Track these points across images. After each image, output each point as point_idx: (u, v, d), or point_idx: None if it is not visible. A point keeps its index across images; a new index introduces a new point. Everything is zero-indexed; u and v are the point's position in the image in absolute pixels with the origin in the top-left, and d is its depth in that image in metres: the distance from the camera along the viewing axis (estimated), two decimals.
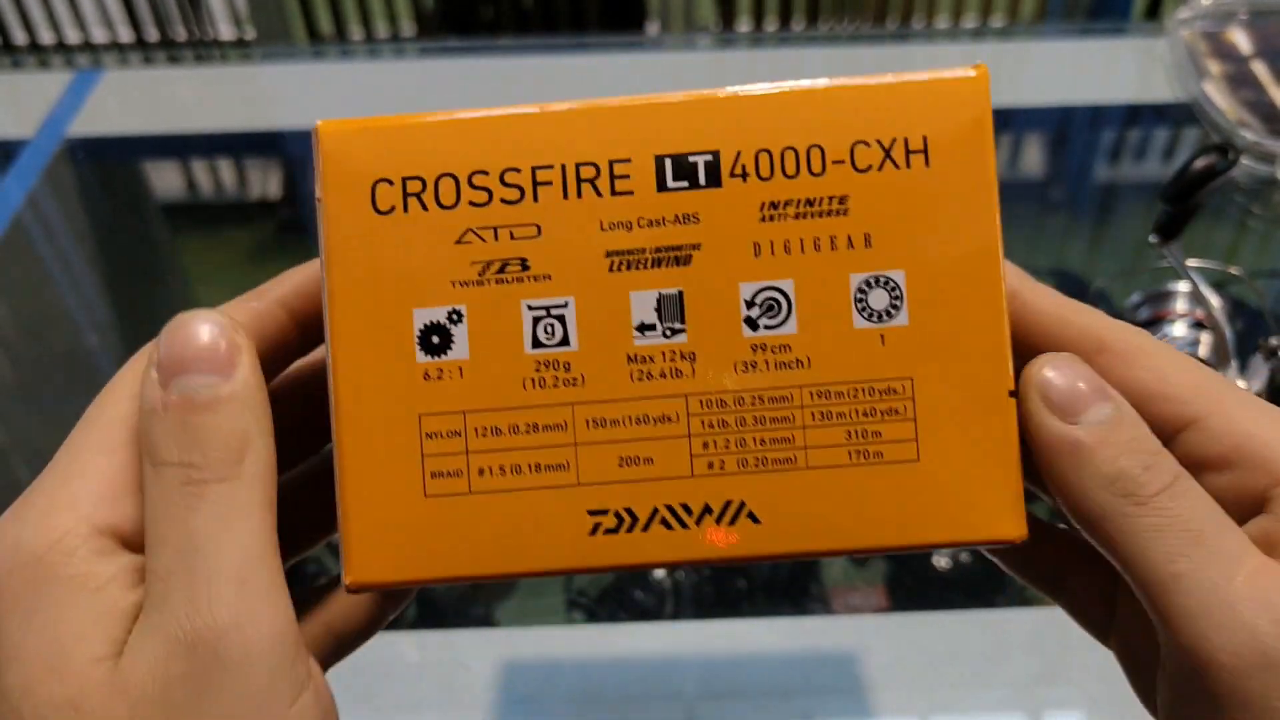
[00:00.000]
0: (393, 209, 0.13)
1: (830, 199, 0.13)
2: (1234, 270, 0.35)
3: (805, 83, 0.13)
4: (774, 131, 0.13)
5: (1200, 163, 0.27)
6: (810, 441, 0.13)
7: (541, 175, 0.13)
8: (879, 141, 0.13)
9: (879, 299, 0.13)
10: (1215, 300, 0.28)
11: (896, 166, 0.13)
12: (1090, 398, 0.12)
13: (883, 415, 0.13)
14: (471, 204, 0.13)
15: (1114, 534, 0.11)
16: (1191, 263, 0.29)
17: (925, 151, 0.13)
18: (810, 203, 0.13)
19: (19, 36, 1.26)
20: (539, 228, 0.13)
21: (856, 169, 0.13)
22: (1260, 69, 0.50)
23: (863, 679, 0.28)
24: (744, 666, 0.28)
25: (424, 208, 0.13)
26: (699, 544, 0.13)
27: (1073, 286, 0.44)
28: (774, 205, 0.13)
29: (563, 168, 0.13)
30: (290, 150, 0.55)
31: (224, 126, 0.53)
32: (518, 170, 0.13)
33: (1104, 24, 0.83)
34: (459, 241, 0.13)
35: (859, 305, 0.13)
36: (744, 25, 1.19)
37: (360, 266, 0.13)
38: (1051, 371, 0.12)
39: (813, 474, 0.13)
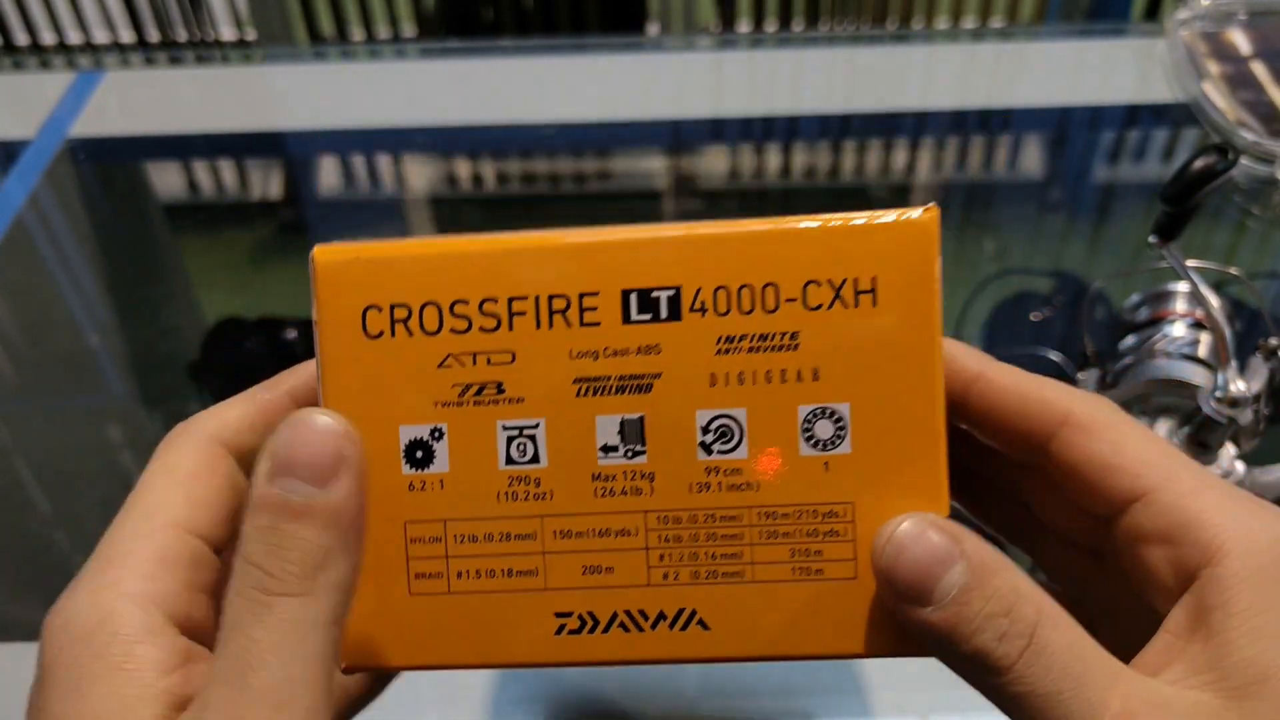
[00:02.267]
0: (381, 334, 0.14)
1: (782, 335, 0.14)
2: (1233, 271, 0.35)
3: (763, 223, 0.14)
4: (732, 269, 0.14)
5: (1199, 163, 0.27)
6: (757, 558, 0.14)
7: (517, 305, 0.14)
8: (830, 281, 0.14)
9: (824, 429, 0.14)
10: (1214, 300, 0.28)
11: (845, 305, 0.14)
12: (937, 569, 0.12)
13: (824, 536, 0.14)
14: (453, 331, 0.14)
15: (991, 696, 0.12)
16: (1191, 263, 0.29)
17: (874, 291, 0.14)
18: (763, 338, 0.14)
19: (20, 37, 1.26)
20: (514, 354, 0.14)
21: (808, 307, 0.14)
22: (1260, 69, 0.50)
23: (863, 678, 0.28)
24: (745, 665, 0.28)
25: (409, 333, 0.14)
26: (652, 646, 0.14)
27: (1072, 287, 0.44)
28: (730, 339, 0.14)
29: (536, 299, 0.14)
30: (292, 151, 0.55)
31: (225, 127, 0.53)
32: (495, 300, 0.14)
33: (1103, 25, 0.83)
34: (441, 365, 0.14)
35: (805, 434, 0.14)
36: (744, 26, 1.19)
37: (353, 384, 0.14)
38: (893, 551, 0.12)
39: (759, 587, 0.14)
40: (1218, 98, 0.48)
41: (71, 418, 0.42)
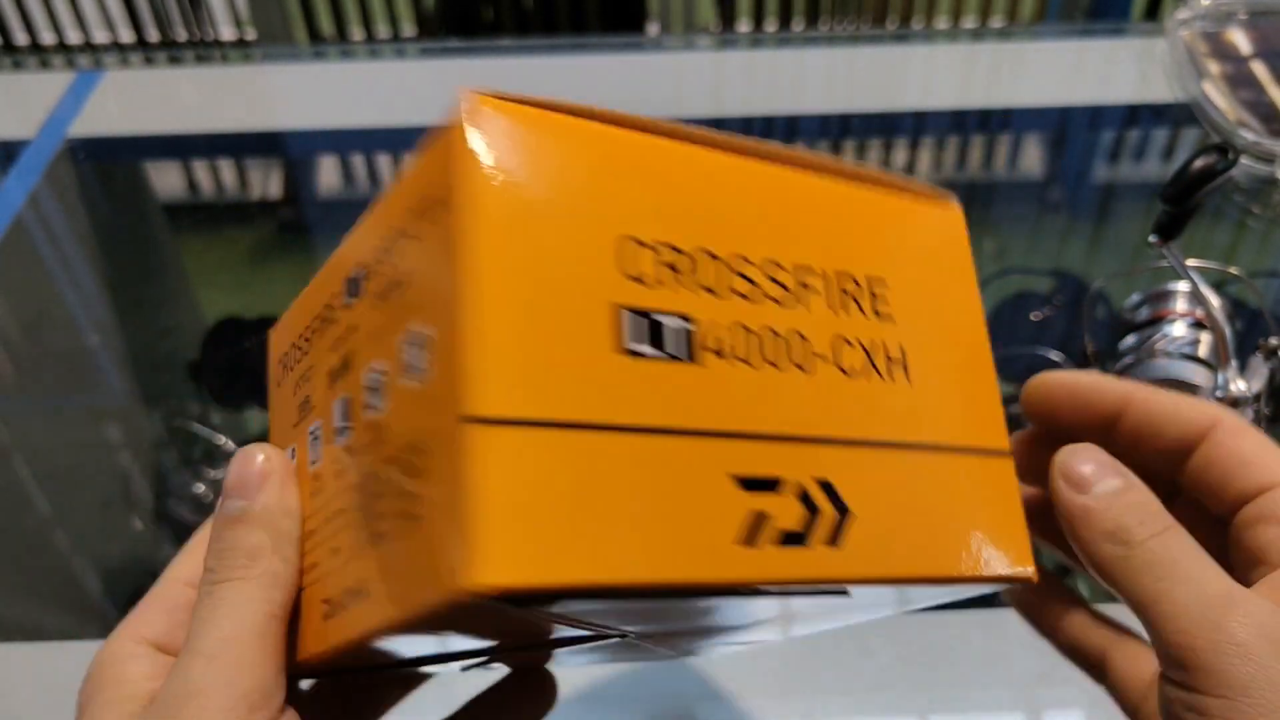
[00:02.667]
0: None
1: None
2: (1233, 270, 0.35)
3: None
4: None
5: (1199, 163, 0.27)
6: None
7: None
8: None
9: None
10: (1215, 300, 0.28)
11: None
12: (1100, 474, 0.15)
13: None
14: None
15: (1115, 573, 0.14)
16: (1191, 263, 0.29)
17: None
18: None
19: (20, 37, 1.26)
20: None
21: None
22: (1260, 69, 0.50)
23: (863, 679, 0.28)
24: (744, 666, 0.28)
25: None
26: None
27: (1072, 287, 0.44)
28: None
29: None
30: (291, 151, 0.55)
31: (225, 127, 0.53)
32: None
33: (1103, 24, 0.83)
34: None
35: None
36: (744, 26, 1.19)
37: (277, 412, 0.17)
38: (1071, 459, 0.15)
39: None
40: (1218, 97, 0.48)
41: (71, 417, 0.42)
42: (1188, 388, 0.31)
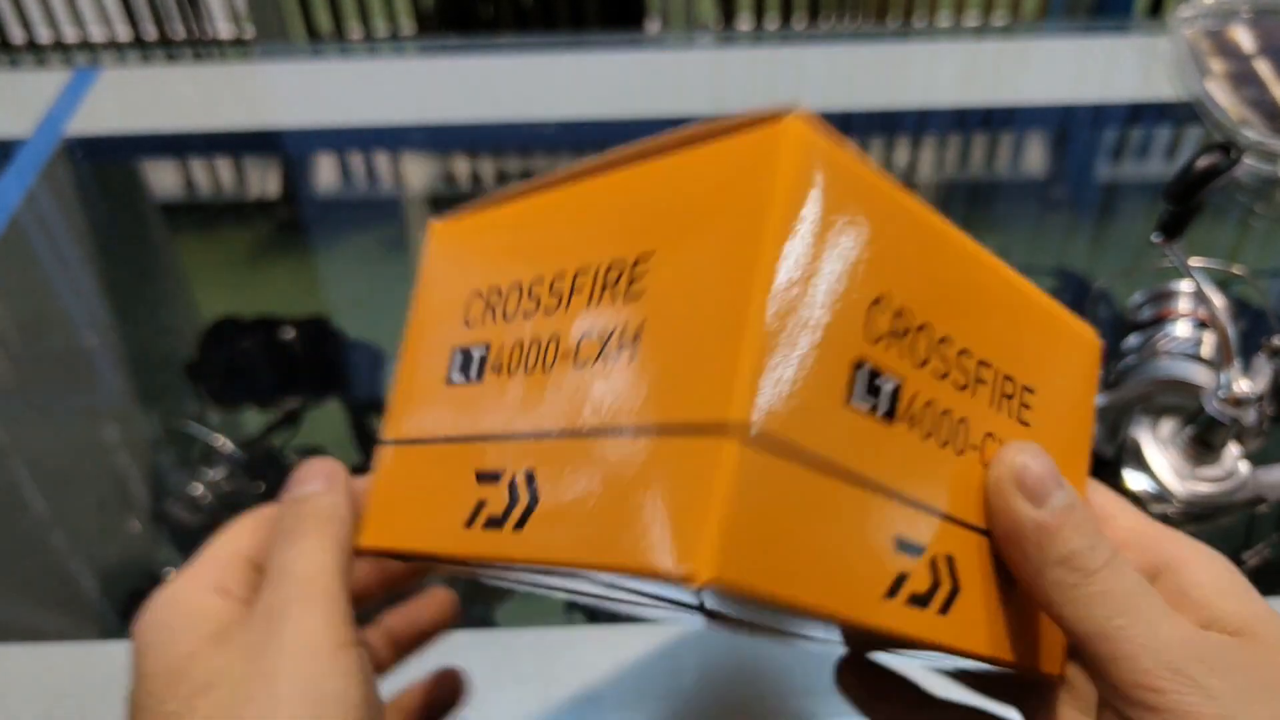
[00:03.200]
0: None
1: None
2: (1237, 270, 0.35)
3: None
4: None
5: (1203, 162, 0.26)
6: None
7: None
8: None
9: None
10: (1218, 300, 0.28)
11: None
12: (1051, 484, 0.14)
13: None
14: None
15: (1063, 602, 0.14)
16: (1194, 262, 0.29)
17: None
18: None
19: (16, 35, 1.25)
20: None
21: None
22: (1263, 67, 0.50)
23: None
24: (744, 666, 0.28)
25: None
26: None
27: (1074, 286, 0.44)
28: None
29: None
30: (289, 149, 0.55)
31: (222, 125, 0.52)
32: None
33: (1106, 22, 0.83)
34: None
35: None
36: (745, 23, 1.19)
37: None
38: (1026, 459, 0.14)
39: None
40: (1221, 95, 0.48)
41: (68, 417, 0.42)
42: (1190, 388, 0.30)
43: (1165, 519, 0.28)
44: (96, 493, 0.39)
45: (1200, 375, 0.31)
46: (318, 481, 0.17)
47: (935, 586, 0.14)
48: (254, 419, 0.42)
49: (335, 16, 1.23)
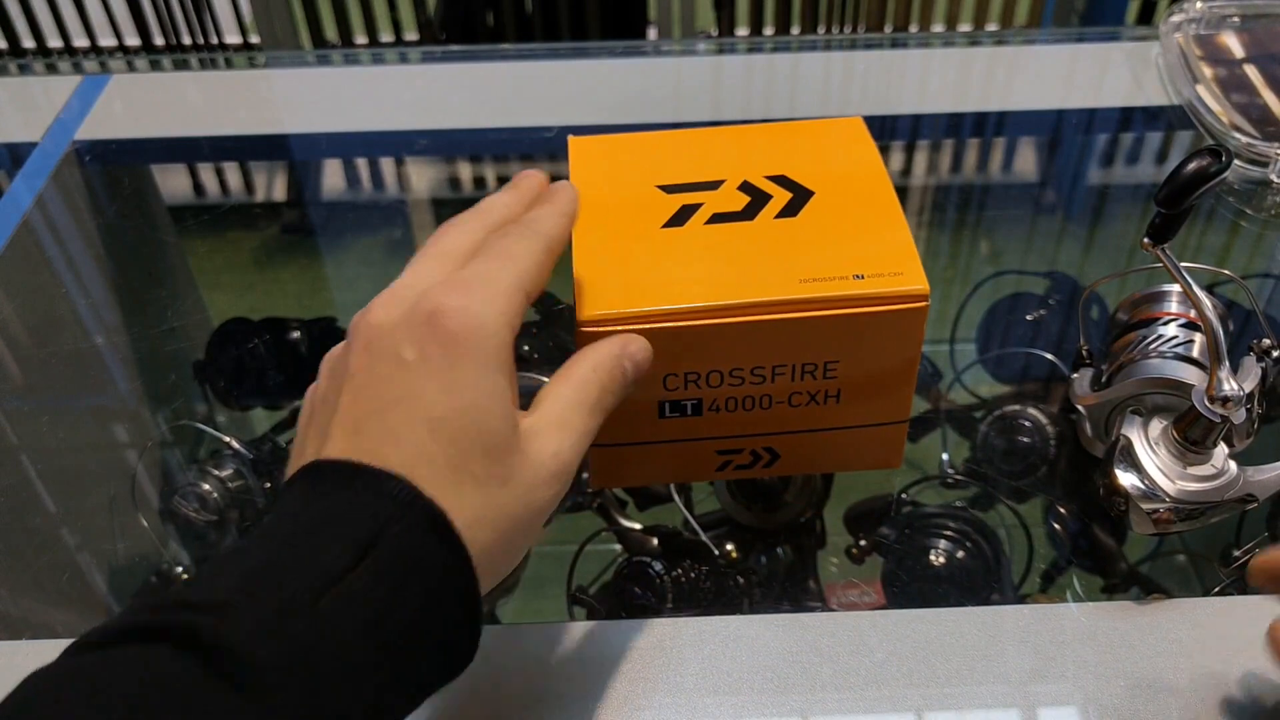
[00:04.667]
0: None
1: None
2: (1227, 273, 0.35)
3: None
4: None
5: (1193, 165, 0.26)
6: None
7: None
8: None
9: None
10: (1207, 301, 0.28)
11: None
12: None
13: None
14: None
15: None
16: (1184, 265, 0.29)
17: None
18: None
19: (27, 41, 1.26)
20: None
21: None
22: (1253, 72, 0.51)
23: (859, 676, 0.28)
24: (743, 662, 0.28)
25: None
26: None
27: (1067, 288, 0.45)
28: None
29: None
30: (296, 154, 0.56)
31: (230, 130, 0.53)
32: None
33: (1097, 29, 0.84)
34: None
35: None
36: (742, 31, 1.20)
37: None
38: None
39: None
40: (1211, 101, 0.49)
41: (78, 417, 0.43)
42: (1180, 387, 0.31)
43: (1156, 518, 0.28)
44: (106, 491, 0.40)
45: (1190, 375, 0.31)
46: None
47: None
48: (262, 419, 0.43)
49: (341, 24, 1.24)
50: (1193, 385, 0.30)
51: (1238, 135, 0.47)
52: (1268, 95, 0.49)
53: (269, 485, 0.39)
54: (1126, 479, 0.29)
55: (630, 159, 0.30)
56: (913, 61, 0.56)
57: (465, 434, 0.19)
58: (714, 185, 0.29)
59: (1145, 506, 0.28)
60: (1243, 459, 0.30)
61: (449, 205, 0.55)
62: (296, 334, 0.44)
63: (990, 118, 0.53)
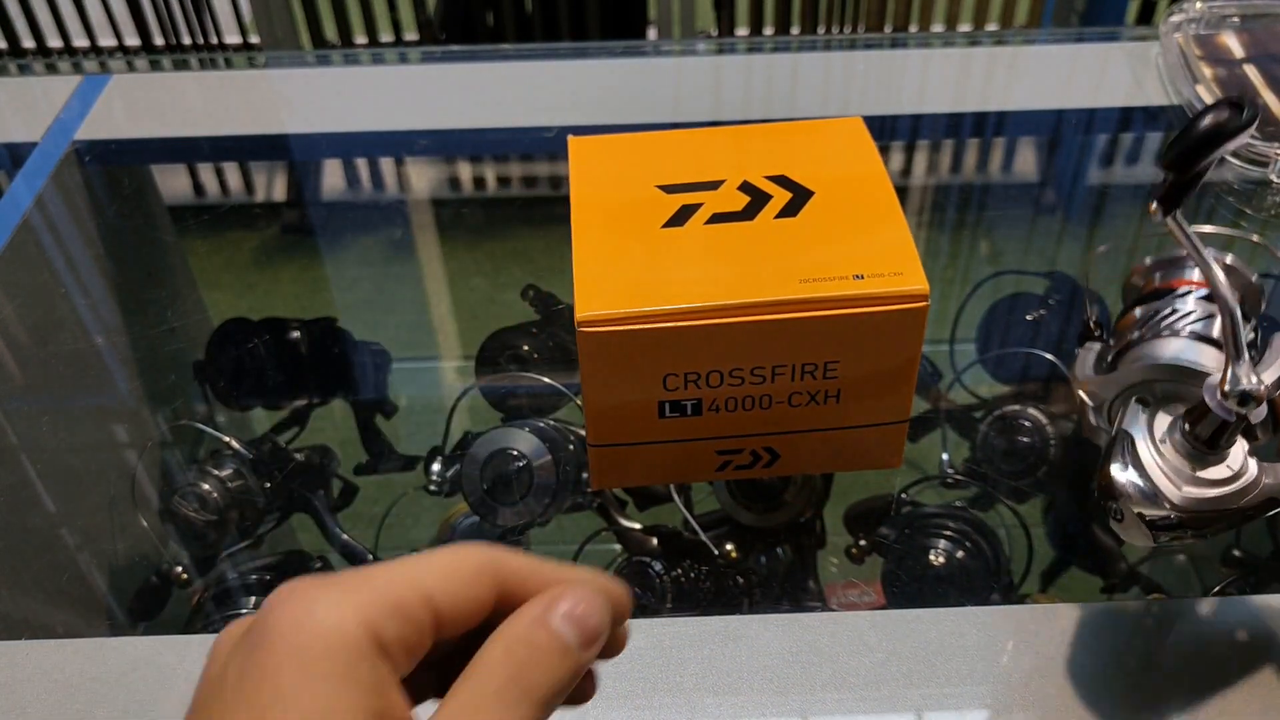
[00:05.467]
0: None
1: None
2: (1254, 238, 0.30)
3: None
4: None
5: (1209, 119, 0.21)
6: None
7: None
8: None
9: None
10: (1224, 279, 0.23)
11: None
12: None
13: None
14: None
15: None
16: (1202, 229, 0.26)
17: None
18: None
19: (27, 41, 1.26)
20: None
21: None
22: (1252, 72, 0.51)
23: (859, 676, 0.28)
24: (743, 662, 0.28)
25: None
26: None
27: (1065, 289, 0.45)
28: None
29: None
30: (296, 154, 0.56)
31: (230, 130, 0.53)
32: None
33: (1097, 29, 0.84)
34: None
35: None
36: (742, 31, 1.20)
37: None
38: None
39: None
40: (1211, 101, 0.49)
41: (78, 417, 0.43)
42: (1193, 376, 0.25)
43: (1155, 525, 0.24)
44: (106, 491, 0.40)
45: (1209, 359, 0.26)
46: (592, 643, 0.15)
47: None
48: (261, 418, 0.43)
49: (341, 24, 1.24)
50: (1209, 369, 0.25)
51: None
52: (1268, 95, 0.49)
53: (269, 485, 0.39)
54: (1125, 479, 0.24)
55: (630, 159, 0.30)
56: (913, 61, 0.56)
57: None
58: (714, 185, 0.29)
59: (1144, 513, 0.24)
60: (1266, 454, 0.25)
61: (449, 205, 0.55)
62: (296, 334, 0.44)
63: (990, 118, 0.53)
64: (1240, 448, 0.24)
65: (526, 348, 0.41)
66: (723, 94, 0.54)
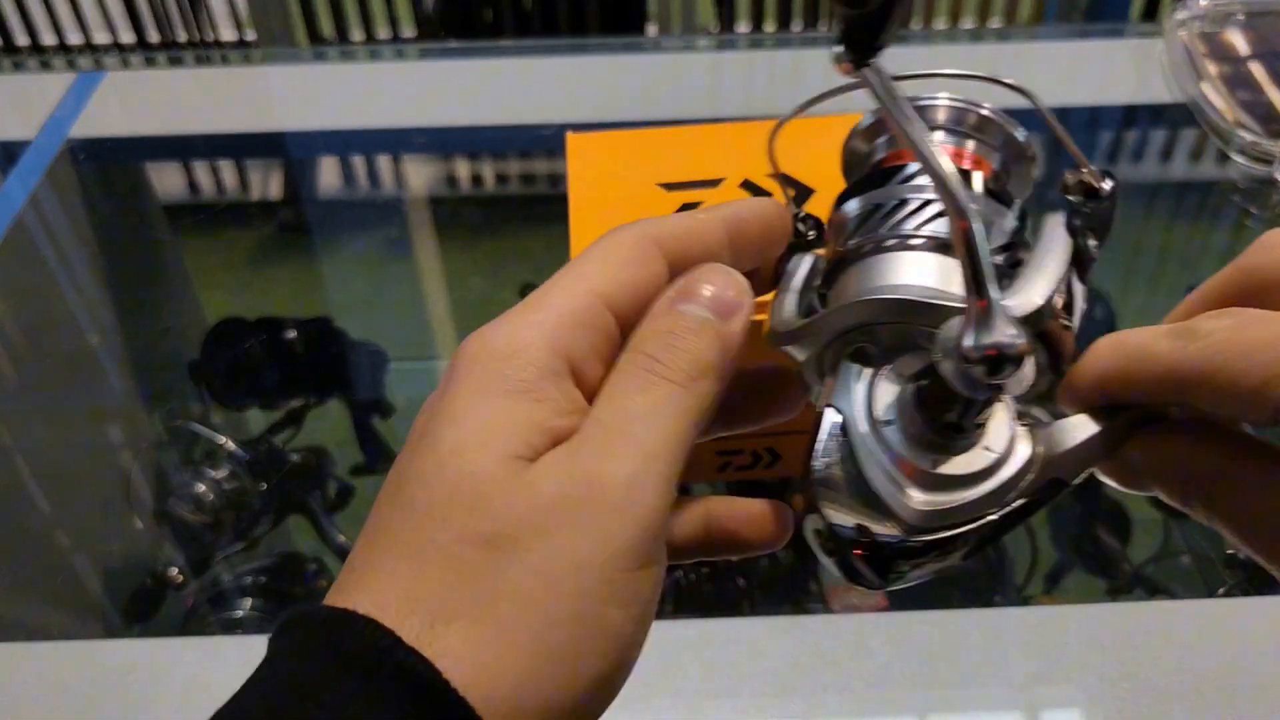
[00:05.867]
0: None
1: None
2: (1010, 82, 0.17)
3: None
4: None
5: None
6: None
7: None
8: None
9: None
10: (946, 164, 0.13)
11: None
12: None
13: None
14: None
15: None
16: (936, 74, 0.16)
17: None
18: None
19: (21, 38, 1.26)
20: None
21: None
22: (1258, 69, 0.50)
23: (861, 678, 0.28)
24: (744, 665, 0.28)
25: None
26: None
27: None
28: None
29: None
30: (292, 151, 0.55)
31: (225, 128, 0.53)
32: None
33: (1101, 25, 0.83)
34: None
35: None
36: (743, 27, 1.20)
37: None
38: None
39: None
40: (1216, 98, 0.48)
41: (72, 417, 0.42)
42: (933, 312, 0.15)
43: (876, 550, 0.15)
44: (100, 492, 0.40)
45: (951, 282, 0.15)
46: (730, 312, 0.14)
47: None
48: (257, 419, 0.43)
49: (337, 20, 1.23)
50: (956, 308, 0.14)
51: (1242, 133, 0.46)
52: (1272, 92, 0.49)
53: (264, 486, 0.38)
54: (830, 488, 0.15)
55: (630, 156, 0.30)
56: (916, 58, 0.56)
57: (444, 506, 0.12)
58: (714, 183, 0.29)
59: (866, 536, 0.15)
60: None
61: (446, 203, 0.55)
62: (293, 333, 0.43)
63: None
64: (1002, 417, 0.15)
65: None
66: (723, 91, 0.54)
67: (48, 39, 1.27)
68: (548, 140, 0.51)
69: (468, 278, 0.51)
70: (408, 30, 1.25)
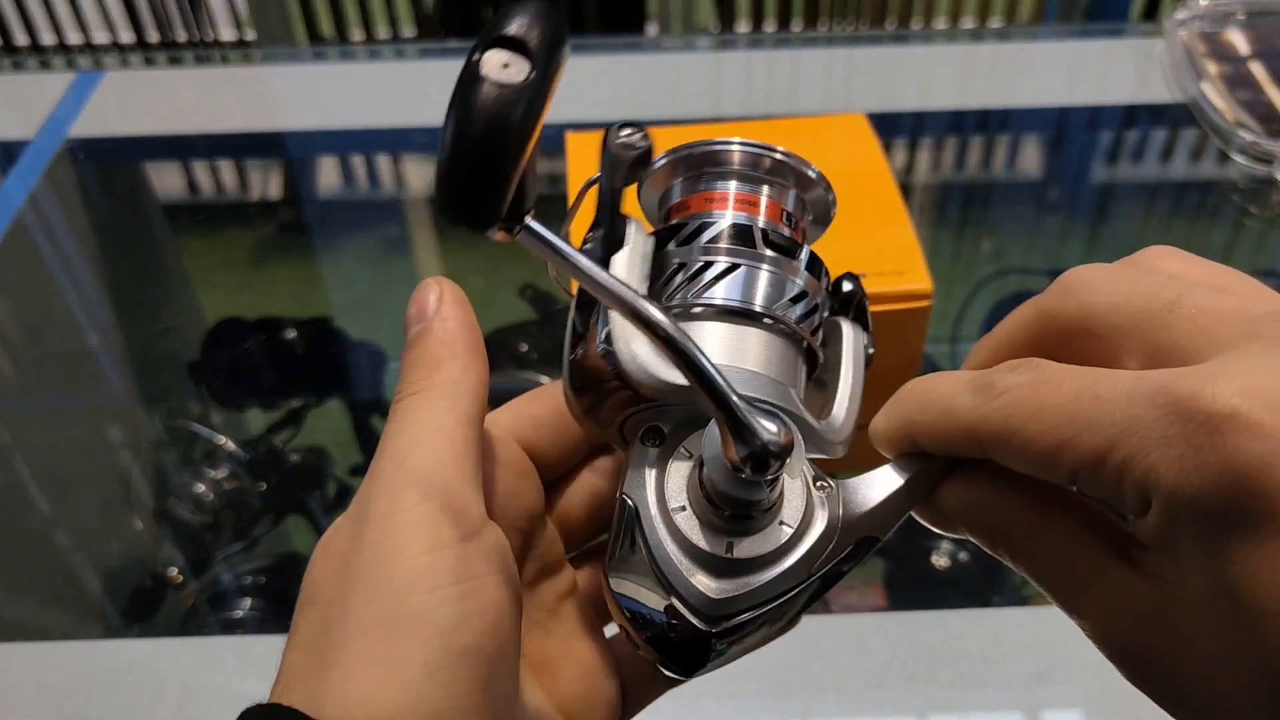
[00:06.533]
0: None
1: None
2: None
3: None
4: None
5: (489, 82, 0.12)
6: None
7: None
8: None
9: None
10: (618, 286, 0.13)
11: None
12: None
13: None
14: None
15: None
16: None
17: None
18: None
19: (20, 37, 1.26)
20: None
21: None
22: (1258, 69, 0.50)
23: (860, 678, 0.28)
24: (743, 664, 0.28)
25: None
26: None
27: None
28: None
29: None
30: (291, 151, 0.55)
31: (225, 127, 0.53)
32: None
33: (1101, 25, 0.83)
34: None
35: None
36: (743, 26, 1.19)
37: None
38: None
39: None
40: (1216, 98, 0.48)
41: (71, 417, 0.42)
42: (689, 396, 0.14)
43: (681, 651, 0.15)
44: (100, 492, 0.40)
45: (750, 358, 0.15)
46: (430, 311, 0.15)
47: None
48: (257, 419, 0.43)
49: (337, 20, 1.23)
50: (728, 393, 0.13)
51: (1242, 133, 0.46)
52: (1272, 92, 0.49)
53: (264, 486, 0.38)
54: (623, 581, 0.15)
55: None
56: (916, 58, 0.56)
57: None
58: None
59: (665, 633, 0.14)
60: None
61: None
62: (292, 333, 0.43)
63: (994, 115, 0.53)
64: (796, 487, 0.15)
65: (525, 347, 0.41)
66: (723, 91, 0.54)
67: (47, 39, 1.27)
68: (547, 140, 0.51)
69: (468, 278, 0.51)
70: (408, 30, 1.25)
